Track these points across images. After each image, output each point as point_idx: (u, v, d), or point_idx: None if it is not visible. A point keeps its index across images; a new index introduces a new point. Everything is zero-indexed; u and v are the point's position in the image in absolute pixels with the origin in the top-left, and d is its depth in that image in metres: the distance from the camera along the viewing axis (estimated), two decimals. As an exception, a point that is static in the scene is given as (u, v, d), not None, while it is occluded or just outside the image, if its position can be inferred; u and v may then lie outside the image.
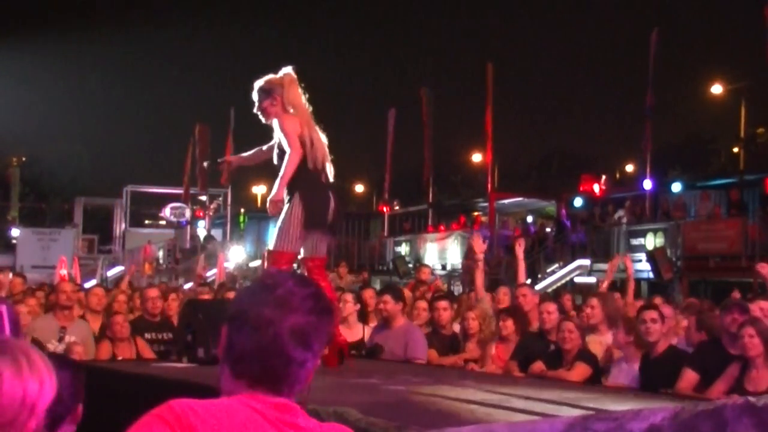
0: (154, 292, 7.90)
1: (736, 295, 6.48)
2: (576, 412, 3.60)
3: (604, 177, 28.63)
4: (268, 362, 1.71)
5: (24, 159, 49.72)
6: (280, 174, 5.65)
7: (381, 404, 4.08)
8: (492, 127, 27.25)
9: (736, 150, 36.14)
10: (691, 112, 45.55)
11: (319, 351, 1.77)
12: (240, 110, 39.67)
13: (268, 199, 5.71)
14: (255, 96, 5.90)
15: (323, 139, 5.86)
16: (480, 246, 8.21)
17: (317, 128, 5.83)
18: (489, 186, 28.15)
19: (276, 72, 5.90)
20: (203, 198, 39.82)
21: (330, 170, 5.84)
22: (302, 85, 5.91)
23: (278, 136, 5.79)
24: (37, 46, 54.34)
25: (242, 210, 41.92)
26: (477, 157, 37.96)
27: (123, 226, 42.75)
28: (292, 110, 5.79)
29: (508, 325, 6.66)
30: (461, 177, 48.47)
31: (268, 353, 1.71)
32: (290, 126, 5.69)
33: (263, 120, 5.91)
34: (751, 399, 2.45)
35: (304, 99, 5.87)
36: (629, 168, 42.50)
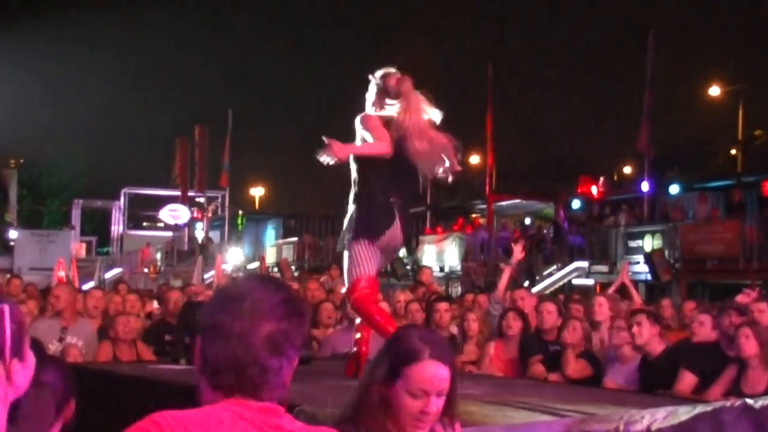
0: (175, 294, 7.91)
1: (746, 298, 6.35)
2: (574, 414, 3.60)
3: (602, 179, 28.57)
4: (243, 373, 1.73)
5: (22, 161, 49.73)
6: (361, 146, 5.14)
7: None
8: (491, 128, 27.25)
9: (734, 152, 36.16)
10: (689, 114, 45.52)
11: (294, 355, 1.78)
12: (238, 111, 39.74)
13: (329, 140, 4.97)
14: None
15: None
16: (519, 254, 8.65)
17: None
18: (487, 188, 28.09)
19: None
20: (201, 200, 39.84)
21: None
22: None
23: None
24: (34, 46, 54.34)
25: (240, 212, 41.92)
26: (475, 159, 37.94)
27: (121, 228, 42.78)
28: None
29: (517, 325, 6.65)
30: (459, 179, 48.38)
31: (243, 364, 1.72)
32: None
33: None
34: (749, 401, 2.45)
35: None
36: (627, 170, 42.52)
